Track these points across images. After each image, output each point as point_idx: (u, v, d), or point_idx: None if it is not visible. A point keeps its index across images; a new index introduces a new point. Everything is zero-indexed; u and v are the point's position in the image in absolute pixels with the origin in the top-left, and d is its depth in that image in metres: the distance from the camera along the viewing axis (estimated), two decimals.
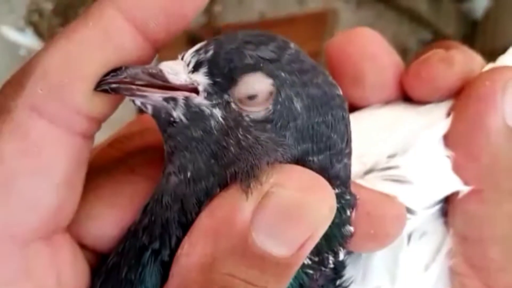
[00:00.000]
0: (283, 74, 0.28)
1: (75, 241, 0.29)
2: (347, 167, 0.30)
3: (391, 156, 0.33)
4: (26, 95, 0.26)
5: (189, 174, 0.27)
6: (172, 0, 0.27)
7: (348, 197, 0.29)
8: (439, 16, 1.31)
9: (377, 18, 1.22)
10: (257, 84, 0.27)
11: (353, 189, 0.30)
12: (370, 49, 0.34)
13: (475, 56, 0.35)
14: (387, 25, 1.15)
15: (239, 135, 0.27)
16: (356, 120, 0.34)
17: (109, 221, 0.29)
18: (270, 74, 0.27)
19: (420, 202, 0.33)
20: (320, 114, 0.28)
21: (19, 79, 0.27)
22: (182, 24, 0.28)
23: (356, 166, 0.33)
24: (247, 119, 0.27)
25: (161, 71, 0.27)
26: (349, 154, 0.30)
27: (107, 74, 0.27)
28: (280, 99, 0.27)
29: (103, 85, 0.27)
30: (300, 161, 0.28)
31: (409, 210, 0.32)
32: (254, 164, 0.27)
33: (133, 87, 0.27)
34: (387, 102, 0.36)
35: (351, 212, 0.30)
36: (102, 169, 0.30)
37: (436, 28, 1.29)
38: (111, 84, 0.27)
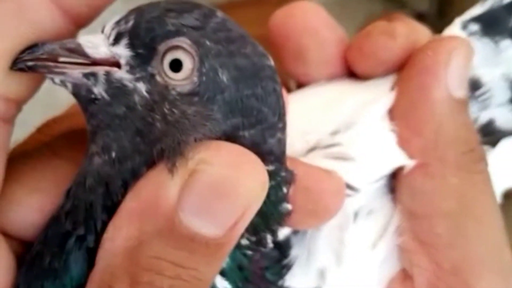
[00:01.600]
0: (207, 43, 0.27)
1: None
2: (282, 142, 0.29)
3: (333, 133, 0.33)
4: None
5: (113, 154, 0.26)
6: None
7: (283, 173, 0.29)
8: None
9: None
10: (181, 53, 0.26)
11: (290, 165, 0.29)
12: (311, 24, 0.33)
13: (419, 28, 0.34)
14: (359, 5, 1.14)
15: (165, 110, 0.26)
16: (300, 98, 0.34)
17: (31, 207, 0.28)
18: (193, 42, 0.26)
19: (363, 178, 0.32)
20: (249, 86, 0.27)
21: None
22: None
23: (299, 144, 0.33)
24: (173, 92, 0.26)
25: (79, 45, 0.26)
26: (283, 129, 0.29)
27: (23, 51, 0.26)
28: (204, 70, 0.26)
29: (18, 64, 0.26)
30: (230, 136, 0.27)
31: (352, 187, 0.32)
32: (181, 140, 0.26)
33: (51, 64, 0.26)
34: (332, 78, 0.35)
35: (288, 189, 0.29)
36: (25, 154, 0.29)
37: (409, 6, 1.28)
38: (27, 61, 0.26)
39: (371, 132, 0.33)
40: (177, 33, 0.26)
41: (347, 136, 0.32)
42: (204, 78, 0.26)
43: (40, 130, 0.31)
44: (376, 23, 0.33)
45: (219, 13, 0.28)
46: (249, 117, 0.27)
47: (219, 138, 0.26)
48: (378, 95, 0.33)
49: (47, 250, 0.27)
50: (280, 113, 0.28)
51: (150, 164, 0.26)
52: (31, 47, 0.26)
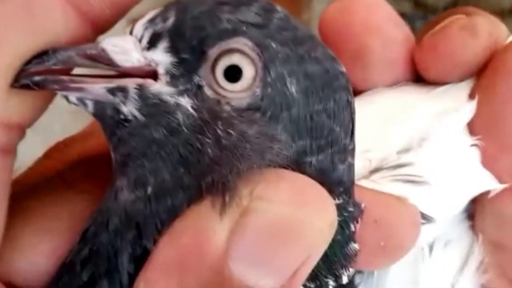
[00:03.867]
0: (273, 45, 0.22)
1: (1, 281, 0.23)
2: (351, 169, 0.24)
3: (402, 151, 0.28)
4: None
5: (149, 189, 0.21)
6: None
7: (351, 208, 0.24)
8: None
9: None
10: (239, 57, 0.21)
11: (356, 193, 0.25)
12: (374, 20, 0.28)
13: (499, 24, 0.29)
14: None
15: (219, 131, 0.21)
16: (358, 108, 0.29)
17: (41, 251, 0.24)
18: (255, 44, 0.21)
19: (441, 206, 0.27)
20: (321, 99, 0.22)
21: None
22: None
23: (360, 163, 0.28)
24: (227, 108, 0.21)
25: (103, 50, 0.21)
26: (353, 151, 0.24)
27: (29, 61, 0.21)
28: (269, 79, 0.21)
29: (23, 79, 0.21)
30: (295, 163, 0.22)
31: (427, 217, 0.27)
32: (241, 170, 0.21)
33: (65, 78, 0.21)
34: (394, 84, 0.30)
35: (355, 226, 0.24)
36: (33, 186, 0.24)
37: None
38: (34, 76, 0.21)
39: (448, 149, 0.28)
40: (235, 32, 0.21)
41: (419, 154, 0.27)
42: (269, 90, 0.21)
43: (49, 155, 0.27)
44: (454, 17, 0.28)
45: (279, 7, 0.23)
46: (318, 138, 0.22)
47: (281, 166, 0.22)
48: (455, 104, 0.28)
49: None
50: (352, 132, 0.24)
51: (196, 201, 0.21)
52: (40, 56, 0.21)
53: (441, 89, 0.29)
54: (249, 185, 0.21)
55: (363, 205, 0.24)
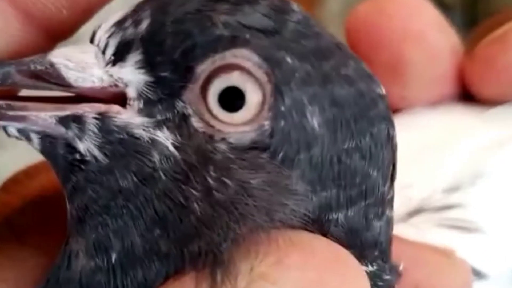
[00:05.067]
0: (288, 59, 0.16)
1: None
2: (390, 225, 0.19)
3: (450, 190, 0.23)
4: None
5: (114, 256, 0.16)
6: None
7: (387, 276, 0.18)
8: None
9: None
10: (240, 77, 0.16)
11: (394, 245, 0.19)
12: (416, 25, 0.23)
13: None
14: None
15: (210, 180, 0.16)
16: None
17: None
18: (264, 58, 0.16)
19: (496, 259, 0.22)
20: (353, 135, 0.17)
21: None
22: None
23: (397, 202, 0.22)
24: (223, 147, 0.16)
25: (52, 65, 0.16)
26: (391, 201, 0.19)
27: None
28: (283, 108, 0.16)
29: None
30: (316, 222, 0.16)
31: (479, 273, 0.22)
32: (240, 235, 0.15)
33: (1, 103, 0.16)
34: (438, 103, 0.25)
35: None
36: None
37: None
38: None
39: (506, 188, 0.23)
40: (234, 41, 0.16)
41: (470, 194, 0.23)
42: (281, 123, 0.16)
43: (6, 188, 0.21)
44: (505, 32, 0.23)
45: (295, 5, 0.17)
46: (348, 188, 0.17)
47: (296, 227, 0.16)
48: None
49: None
50: (393, 177, 0.18)
51: (175, 276, 0.16)
52: None
53: (496, 110, 0.24)
54: (250, 258, 0.15)
55: (401, 267, 0.19)
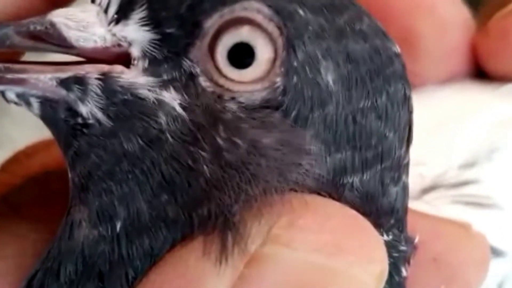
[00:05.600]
0: (301, 12, 0.15)
1: None
2: (406, 191, 0.18)
3: (465, 166, 0.22)
4: None
5: (118, 224, 0.15)
6: None
7: (403, 246, 0.18)
8: None
9: None
10: (251, 31, 0.15)
11: (409, 218, 0.19)
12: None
13: None
14: None
15: (220, 140, 0.15)
16: None
17: None
18: (276, 10, 0.15)
19: None
20: (369, 93, 0.16)
21: None
22: None
23: (410, 179, 0.22)
24: (233, 106, 0.15)
25: (53, 25, 0.15)
26: (407, 166, 0.18)
27: None
28: (295, 63, 0.15)
29: None
30: (330, 185, 0.16)
31: (496, 250, 0.22)
32: (252, 197, 0.15)
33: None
34: (450, 79, 0.24)
35: (407, 269, 0.18)
36: None
37: None
38: None
39: None
40: None
41: (487, 169, 0.22)
42: (294, 79, 0.15)
43: (5, 168, 0.21)
44: None
45: None
46: (364, 149, 0.16)
47: (310, 191, 0.15)
48: None
49: None
50: (409, 140, 0.18)
51: (183, 242, 0.15)
52: None
53: (507, 87, 0.24)
54: (262, 220, 0.15)
55: (416, 239, 0.18)
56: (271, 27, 0.15)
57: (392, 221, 0.17)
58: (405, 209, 0.18)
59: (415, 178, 0.22)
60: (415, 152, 0.22)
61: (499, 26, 0.23)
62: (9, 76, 0.15)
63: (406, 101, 0.17)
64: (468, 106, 0.23)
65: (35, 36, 0.15)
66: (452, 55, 0.24)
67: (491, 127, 0.23)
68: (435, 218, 0.20)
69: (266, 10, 0.15)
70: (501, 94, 0.24)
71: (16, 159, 0.21)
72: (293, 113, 0.15)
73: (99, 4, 0.16)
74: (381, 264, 0.16)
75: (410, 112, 0.17)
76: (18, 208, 0.19)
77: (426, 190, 0.22)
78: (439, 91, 0.24)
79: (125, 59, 0.15)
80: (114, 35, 0.15)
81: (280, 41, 0.15)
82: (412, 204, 0.21)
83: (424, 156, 0.23)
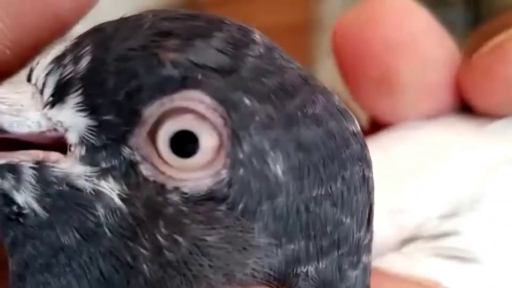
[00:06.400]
0: (246, 101, 0.14)
1: None
2: (367, 272, 0.17)
3: (446, 216, 0.21)
4: None
5: None
6: None
7: None
8: None
9: None
10: (193, 120, 0.14)
11: (373, 283, 0.18)
12: (406, 32, 0.21)
13: None
14: None
15: (160, 238, 0.14)
16: (383, 149, 0.22)
17: None
18: (219, 100, 0.14)
19: None
20: (322, 181, 0.15)
21: None
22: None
23: (389, 230, 0.21)
24: (175, 198, 0.14)
25: None
26: (369, 245, 0.17)
27: None
28: (241, 155, 0.14)
29: None
30: (283, 276, 0.15)
31: None
32: None
33: None
34: (433, 116, 0.23)
35: None
36: None
37: None
38: None
39: (506, 214, 0.21)
40: (185, 82, 0.14)
41: (469, 221, 0.21)
42: (240, 171, 0.14)
43: None
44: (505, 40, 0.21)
45: (258, 34, 0.16)
46: (318, 238, 0.15)
47: (260, 284, 0.15)
48: None
49: None
50: (370, 220, 0.17)
51: None
52: None
53: (496, 125, 0.22)
54: None
55: None
56: (214, 117, 0.14)
57: None
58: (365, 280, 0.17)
59: (394, 229, 0.21)
60: (394, 198, 0.21)
61: (483, 61, 0.21)
62: None
63: (365, 182, 0.16)
64: (451, 146, 0.22)
65: None
66: (434, 92, 0.22)
67: (475, 172, 0.21)
68: (400, 280, 0.19)
69: (208, 100, 0.14)
70: (487, 133, 0.22)
71: None
72: (240, 206, 0.14)
73: (35, 84, 0.15)
74: None
75: (369, 193, 0.16)
76: None
77: (405, 241, 0.21)
78: (420, 128, 0.22)
79: (62, 144, 0.15)
80: (49, 119, 0.14)
81: (225, 131, 0.14)
82: (390, 257, 0.20)
83: (403, 203, 0.21)
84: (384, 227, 0.20)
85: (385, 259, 0.20)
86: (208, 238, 0.14)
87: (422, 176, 0.21)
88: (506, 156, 0.21)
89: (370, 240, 0.17)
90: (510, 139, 0.22)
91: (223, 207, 0.14)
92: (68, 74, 0.14)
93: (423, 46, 0.21)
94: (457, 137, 0.22)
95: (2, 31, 0.16)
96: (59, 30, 0.17)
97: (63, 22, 0.17)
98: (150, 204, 0.14)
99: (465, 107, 0.23)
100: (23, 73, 0.15)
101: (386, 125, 0.23)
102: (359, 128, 0.16)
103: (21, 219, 0.15)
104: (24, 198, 0.14)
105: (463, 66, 0.22)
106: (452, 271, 0.20)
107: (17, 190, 0.14)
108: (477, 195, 0.21)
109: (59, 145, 0.15)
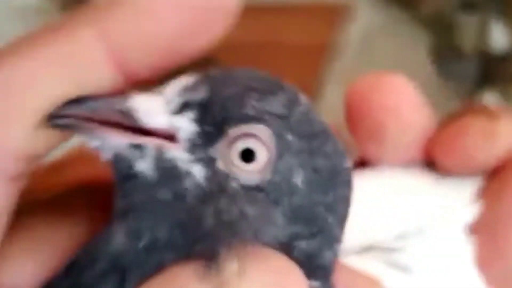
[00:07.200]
0: (289, 137, 0.22)
1: None
2: (336, 254, 0.25)
3: (400, 237, 0.28)
4: None
5: (142, 242, 0.22)
6: (183, 36, 0.22)
7: None
8: None
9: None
10: (256, 142, 0.22)
11: (337, 267, 0.25)
12: (394, 101, 0.28)
13: None
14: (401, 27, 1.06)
15: (221, 205, 0.22)
16: (366, 180, 0.29)
17: (25, 272, 0.24)
18: (274, 133, 0.22)
19: None
20: (322, 192, 0.23)
21: None
22: (177, 62, 0.23)
23: (357, 238, 0.28)
24: (234, 185, 0.22)
25: (131, 109, 0.22)
26: (340, 238, 0.25)
27: (61, 106, 0.22)
28: (280, 167, 0.22)
29: (54, 120, 0.21)
30: (285, 245, 0.23)
31: None
32: (231, 244, 0.21)
33: (92, 125, 0.21)
34: (407, 163, 0.30)
35: None
36: (29, 205, 0.24)
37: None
38: (65, 119, 0.21)
39: (443, 244, 0.28)
40: (257, 119, 0.22)
41: (413, 243, 0.28)
42: (277, 177, 0.22)
43: (48, 173, 0.26)
44: (473, 119, 0.28)
45: (303, 98, 0.24)
46: (312, 227, 0.23)
47: (271, 246, 0.22)
48: (461, 201, 0.28)
49: None
50: (344, 224, 0.25)
51: (182, 261, 0.22)
52: (72, 102, 0.21)
53: (449, 180, 0.29)
54: (234, 260, 0.21)
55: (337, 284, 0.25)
56: (268, 143, 0.22)
57: (321, 272, 0.24)
58: (333, 264, 0.25)
59: (360, 238, 0.28)
60: (365, 216, 0.28)
61: (448, 136, 0.28)
62: (98, 134, 0.22)
63: (346, 201, 0.24)
64: (414, 188, 0.29)
65: (117, 112, 0.22)
66: (408, 147, 0.29)
67: (426, 210, 0.28)
68: (355, 272, 0.26)
69: (267, 132, 0.22)
70: (441, 185, 0.29)
71: (58, 166, 0.27)
72: (272, 196, 0.22)
73: (166, 98, 0.22)
74: None
75: (347, 207, 0.24)
76: (70, 207, 0.25)
77: (365, 249, 0.28)
78: (396, 171, 0.29)
79: (174, 138, 0.22)
80: (171, 122, 0.22)
81: (273, 152, 0.22)
82: (352, 257, 0.27)
83: (371, 222, 0.28)
84: (353, 234, 0.27)
85: (348, 258, 0.27)
86: (249, 210, 0.22)
87: (390, 205, 0.28)
88: (450, 204, 0.28)
89: (341, 235, 0.24)
90: (456, 193, 0.28)
91: (261, 194, 0.22)
92: (190, 98, 0.22)
93: (405, 113, 0.28)
94: (419, 182, 0.29)
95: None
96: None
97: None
98: (219, 184, 0.22)
99: (431, 163, 0.30)
100: (160, 88, 0.23)
101: (370, 164, 0.30)
102: (351, 164, 0.24)
103: (137, 179, 0.22)
104: (143, 166, 0.22)
105: (434, 131, 0.29)
106: (392, 276, 0.27)
107: (140, 160, 0.22)
108: (423, 226, 0.28)
109: (172, 138, 0.22)
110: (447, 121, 0.29)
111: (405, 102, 0.28)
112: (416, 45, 1.06)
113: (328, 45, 0.93)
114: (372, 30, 0.91)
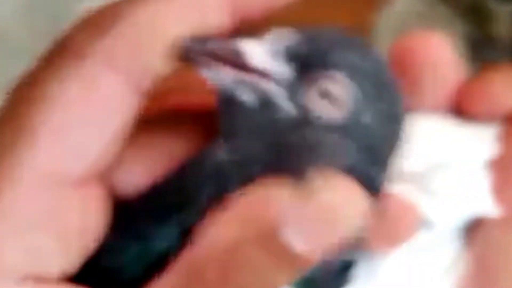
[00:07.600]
0: (366, 83, 0.28)
1: (105, 189, 0.29)
2: (386, 178, 0.30)
3: (431, 167, 0.33)
4: (104, 45, 0.26)
5: (239, 157, 0.28)
6: None
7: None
8: None
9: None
10: (338, 87, 0.28)
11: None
12: (431, 59, 0.33)
13: None
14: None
15: (305, 133, 0.28)
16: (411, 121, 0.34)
17: (138, 173, 0.29)
18: (350, 78, 0.28)
19: (442, 216, 0.33)
20: (384, 129, 0.29)
21: (99, 24, 0.27)
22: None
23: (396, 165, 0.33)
24: (316, 118, 0.28)
25: (241, 49, 0.27)
26: (390, 166, 0.31)
27: (190, 42, 0.27)
28: (353, 108, 0.28)
29: (187, 53, 0.27)
30: (350, 169, 0.28)
31: (427, 222, 0.32)
32: (311, 164, 0.27)
33: (211, 61, 0.27)
34: (436, 111, 0.34)
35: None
36: (143, 121, 0.30)
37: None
38: (195, 53, 0.27)
39: (466, 176, 0.33)
40: (338, 66, 0.28)
41: (441, 172, 0.33)
42: (351, 114, 0.28)
43: (157, 98, 0.31)
44: (499, 71, 0.33)
45: (376, 52, 0.30)
46: (373, 157, 0.29)
47: (340, 170, 0.28)
48: (482, 141, 0.33)
49: (144, 215, 0.28)
50: (394, 155, 0.30)
51: (268, 175, 0.27)
52: (197, 40, 0.27)
53: (473, 124, 0.34)
54: (316, 178, 0.26)
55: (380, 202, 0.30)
56: (347, 86, 0.28)
57: (373, 192, 0.29)
58: (383, 185, 0.30)
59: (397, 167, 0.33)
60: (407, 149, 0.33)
61: (476, 84, 0.33)
62: (213, 68, 0.27)
63: (399, 136, 0.30)
64: (442, 126, 0.33)
65: (230, 52, 0.28)
66: (444, 98, 0.33)
67: (451, 146, 0.33)
68: (396, 196, 0.31)
69: (346, 77, 0.28)
70: (470, 127, 0.33)
71: (166, 93, 0.32)
72: (345, 130, 0.28)
73: (269, 43, 0.28)
74: (365, 212, 0.27)
75: (400, 141, 0.30)
76: (173, 125, 0.30)
77: (401, 176, 0.32)
78: (430, 116, 0.34)
79: (273, 77, 0.28)
80: (270, 63, 0.28)
81: (350, 94, 0.28)
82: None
83: (409, 153, 0.32)
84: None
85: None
86: (327, 139, 0.27)
87: (421, 140, 0.33)
88: (477, 144, 0.33)
89: (391, 164, 0.30)
90: (482, 135, 0.33)
91: (338, 128, 0.28)
92: (286, 46, 0.28)
93: (441, 68, 0.33)
94: (450, 125, 0.34)
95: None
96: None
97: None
98: (304, 118, 0.28)
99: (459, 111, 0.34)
100: (261, 36, 0.28)
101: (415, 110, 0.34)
102: (406, 115, 0.30)
103: (240, 107, 0.28)
104: (246, 97, 0.27)
105: (465, 84, 0.33)
106: (423, 200, 0.32)
107: (245, 92, 0.27)
108: (450, 160, 0.33)
109: (269, 77, 0.28)
110: (476, 76, 0.34)
111: (441, 59, 0.33)
112: (451, 32, 1.09)
113: (364, 27, 0.97)
114: (409, 15, 0.95)
